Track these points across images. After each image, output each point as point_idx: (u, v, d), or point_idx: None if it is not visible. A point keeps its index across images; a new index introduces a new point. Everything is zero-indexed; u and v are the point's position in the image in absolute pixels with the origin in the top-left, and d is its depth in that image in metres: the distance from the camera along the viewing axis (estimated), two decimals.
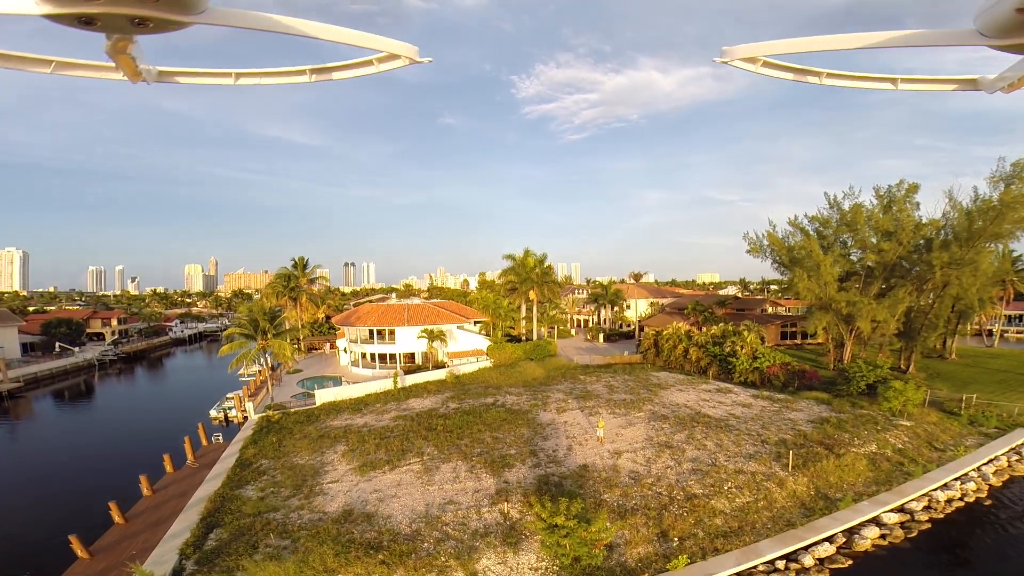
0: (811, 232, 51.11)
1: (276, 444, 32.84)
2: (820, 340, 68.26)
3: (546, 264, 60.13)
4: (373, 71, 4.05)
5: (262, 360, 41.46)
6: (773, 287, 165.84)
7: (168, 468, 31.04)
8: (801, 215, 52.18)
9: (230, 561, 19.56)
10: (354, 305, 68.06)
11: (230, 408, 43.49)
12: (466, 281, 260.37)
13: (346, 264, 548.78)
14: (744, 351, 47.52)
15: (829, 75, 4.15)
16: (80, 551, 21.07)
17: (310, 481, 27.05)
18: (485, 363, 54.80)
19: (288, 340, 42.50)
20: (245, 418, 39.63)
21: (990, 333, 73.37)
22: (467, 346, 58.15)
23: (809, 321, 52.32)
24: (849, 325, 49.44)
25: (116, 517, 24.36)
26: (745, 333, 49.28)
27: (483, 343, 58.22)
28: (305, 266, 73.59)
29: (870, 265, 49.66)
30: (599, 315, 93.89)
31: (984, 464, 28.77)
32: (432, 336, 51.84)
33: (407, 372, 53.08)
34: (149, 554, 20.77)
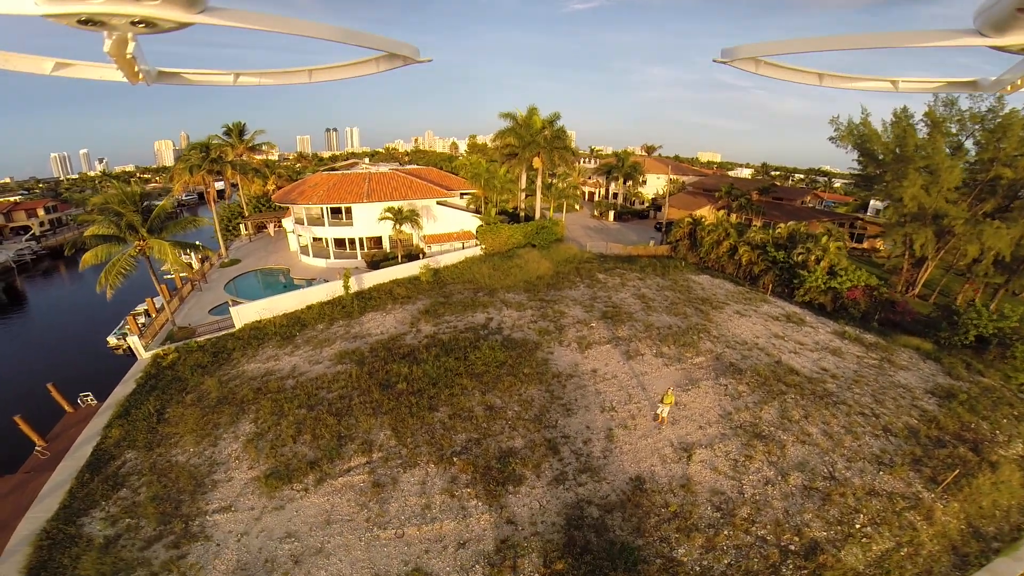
0: (944, 130, 36.30)
1: (155, 416, 21.18)
2: (884, 253, 56.85)
3: (558, 125, 43.96)
4: (374, 70, 3.91)
5: (149, 268, 27.69)
6: (799, 175, 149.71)
7: None
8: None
9: None
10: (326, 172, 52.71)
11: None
12: (454, 144, 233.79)
13: (328, 130, 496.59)
14: (822, 264, 35.41)
15: (829, 76, 4.05)
16: None
17: (187, 506, 15.99)
18: (474, 250, 42.06)
19: (180, 233, 28.24)
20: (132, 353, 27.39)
21: None
22: (450, 226, 44.72)
23: (892, 234, 39.71)
24: (939, 244, 37.57)
25: None
26: (825, 239, 36.61)
27: (471, 222, 44.80)
28: (242, 132, 56.11)
29: (992, 180, 35.87)
30: (607, 189, 79.30)
31: None
32: (400, 217, 38.01)
33: (372, 262, 40.33)
34: None
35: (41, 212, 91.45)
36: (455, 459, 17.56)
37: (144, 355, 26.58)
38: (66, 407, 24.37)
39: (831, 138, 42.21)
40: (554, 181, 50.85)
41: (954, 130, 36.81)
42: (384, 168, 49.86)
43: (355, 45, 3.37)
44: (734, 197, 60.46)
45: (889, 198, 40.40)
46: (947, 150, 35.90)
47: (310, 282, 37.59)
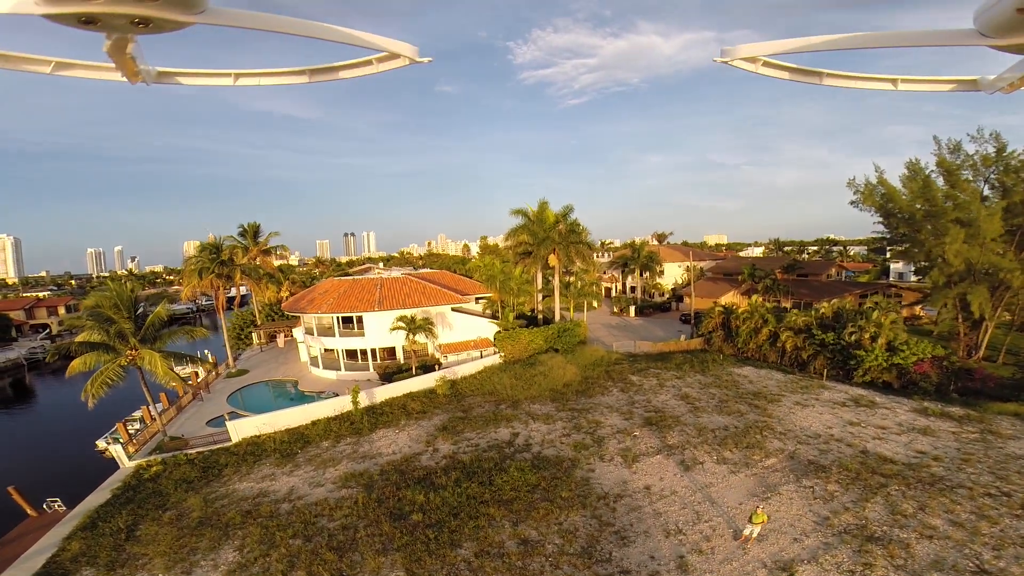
0: (961, 177, 35.37)
1: (124, 531, 18.25)
2: (926, 319, 53.23)
3: (571, 219, 43.40)
4: (373, 71, 3.94)
5: (139, 379, 25.58)
6: (812, 247, 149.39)
7: None
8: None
9: None
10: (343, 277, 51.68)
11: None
12: (466, 246, 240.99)
13: (346, 234, 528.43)
14: (879, 341, 31.96)
15: (829, 75, 4.03)
16: None
17: None
18: (492, 358, 39.29)
19: (164, 351, 26.29)
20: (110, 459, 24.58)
21: None
22: (466, 333, 42.44)
23: (939, 297, 36.71)
24: (994, 301, 34.50)
25: None
26: (876, 314, 33.50)
27: (488, 328, 42.57)
28: (257, 233, 56.88)
29: None
30: (623, 282, 78.03)
31: None
32: (412, 326, 35.98)
33: (385, 374, 37.64)
34: None
35: (62, 310, 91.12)
36: None
37: (127, 463, 24.35)
38: (29, 511, 21.76)
39: (852, 202, 40.96)
40: (571, 279, 49.31)
41: (969, 176, 35.37)
42: (397, 273, 49.14)
43: (355, 45, 3.36)
44: (758, 279, 58.27)
45: (927, 259, 37.83)
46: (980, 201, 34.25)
47: (319, 395, 34.98)
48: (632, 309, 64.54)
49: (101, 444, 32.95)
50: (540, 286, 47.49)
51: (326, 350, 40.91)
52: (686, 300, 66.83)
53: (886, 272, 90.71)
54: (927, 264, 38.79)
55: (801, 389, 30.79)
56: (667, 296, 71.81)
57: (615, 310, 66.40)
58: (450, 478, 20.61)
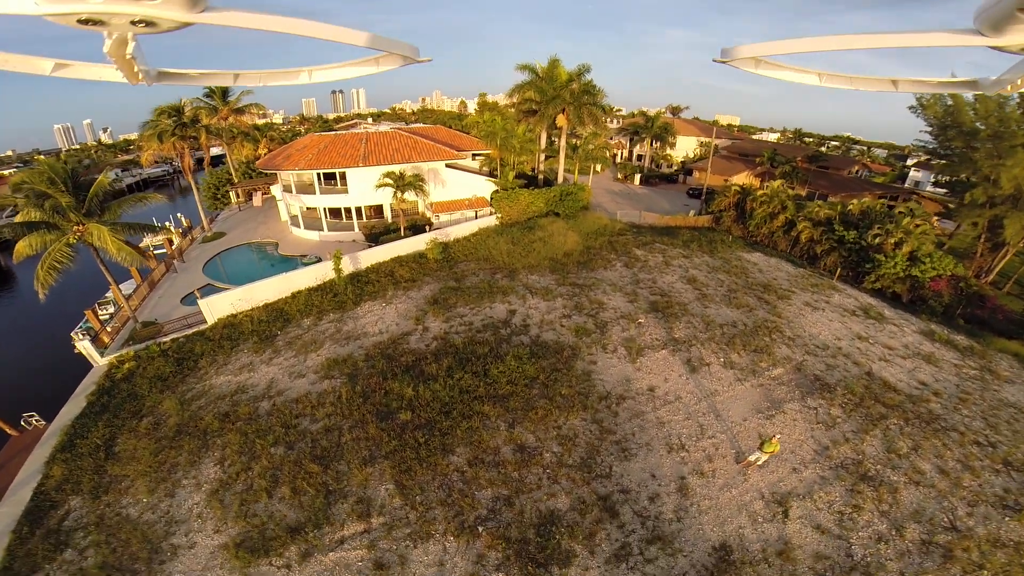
0: None
1: (102, 449, 16.72)
2: (942, 232, 50.22)
3: (587, 78, 37.20)
4: (373, 70, 3.74)
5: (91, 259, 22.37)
6: (833, 142, 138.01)
7: None
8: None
9: None
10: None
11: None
12: (463, 103, 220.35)
13: (333, 91, 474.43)
14: (904, 249, 29.64)
15: (828, 76, 3.91)
16: None
17: None
18: (488, 219, 36.53)
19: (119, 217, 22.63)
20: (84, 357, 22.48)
21: None
22: (461, 192, 39.01)
23: (969, 215, 33.50)
24: None
25: None
26: (907, 220, 30.67)
27: (485, 187, 39.09)
28: (226, 93, 49.00)
29: None
30: (631, 150, 72.43)
31: None
32: (401, 183, 32.26)
33: (372, 234, 35.01)
34: None
35: (5, 189, 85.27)
36: (480, 529, 12.85)
37: (99, 361, 21.91)
38: (8, 431, 20.13)
39: (912, 107, 36.07)
40: (578, 142, 44.40)
41: None
42: (385, 127, 43.66)
43: (355, 45, 3.15)
44: (777, 164, 53.97)
45: (973, 176, 34.28)
46: None
47: (301, 259, 32.70)
48: (637, 177, 60.46)
49: (78, 339, 30.47)
50: (544, 146, 42.82)
51: (308, 208, 37.51)
52: (695, 174, 62.74)
53: (902, 178, 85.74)
54: (971, 181, 35.12)
55: (812, 287, 29.10)
56: (676, 168, 67.22)
57: (619, 176, 62.26)
58: (441, 366, 19.19)
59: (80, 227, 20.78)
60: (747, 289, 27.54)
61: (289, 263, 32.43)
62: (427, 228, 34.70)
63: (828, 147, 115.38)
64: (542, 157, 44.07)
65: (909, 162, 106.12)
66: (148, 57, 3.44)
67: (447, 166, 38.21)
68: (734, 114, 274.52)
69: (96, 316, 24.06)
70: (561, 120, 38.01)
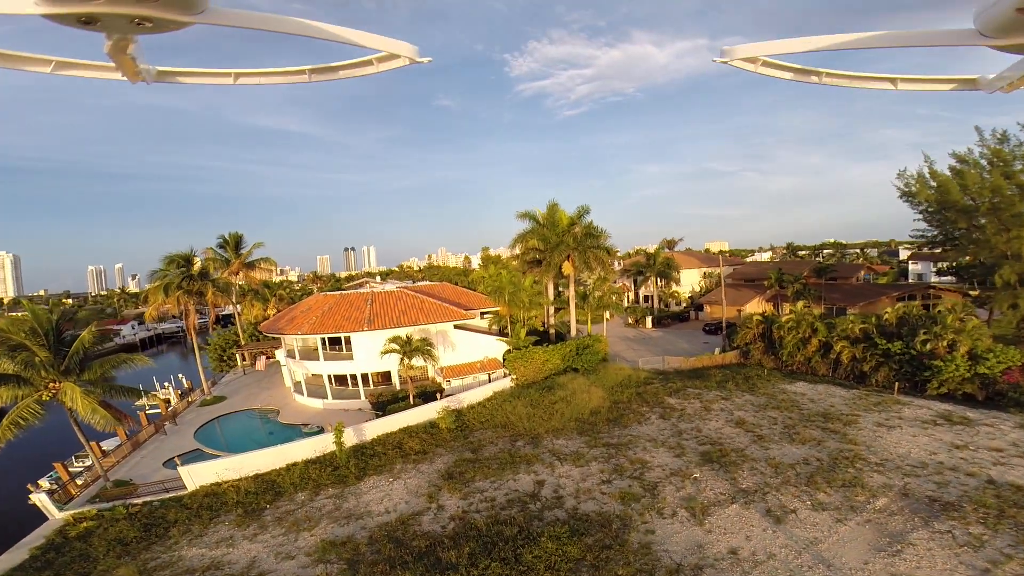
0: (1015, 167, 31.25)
1: None
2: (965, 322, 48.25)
3: (587, 220, 38.47)
4: (373, 71, 3.88)
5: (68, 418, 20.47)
6: (827, 251, 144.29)
7: None
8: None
9: None
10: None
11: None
12: (467, 258, 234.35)
13: (346, 249, 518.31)
14: (960, 349, 26.97)
15: (828, 75, 4.03)
16: None
17: None
18: (502, 381, 34.08)
19: (99, 376, 21.38)
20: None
21: None
22: (472, 354, 37.23)
23: (1004, 298, 31.84)
24: None
25: None
26: (951, 318, 28.54)
27: (497, 347, 37.39)
28: (239, 244, 51.47)
29: None
30: (636, 292, 73.10)
31: None
32: (408, 348, 30.76)
33: (378, 404, 32.36)
34: None
35: None
36: None
37: (56, 515, 20.19)
38: None
39: (902, 195, 36.83)
40: (587, 289, 44.16)
41: (1018, 168, 31.05)
42: (391, 286, 44.04)
43: (355, 45, 3.27)
44: (786, 284, 53.26)
45: (990, 255, 33.00)
46: None
47: (303, 428, 30.26)
48: (649, 320, 59.42)
49: (35, 493, 27.93)
50: (552, 298, 42.41)
51: (312, 375, 35.71)
52: (707, 308, 61.92)
53: (903, 274, 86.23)
54: (988, 262, 34.10)
55: (875, 407, 25.87)
56: (685, 305, 66.78)
57: (630, 321, 61.25)
58: (462, 552, 15.34)
59: (55, 384, 19.02)
60: (806, 422, 24.16)
61: (289, 432, 30.09)
62: (438, 395, 32.12)
63: (824, 256, 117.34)
64: (551, 310, 43.42)
65: (903, 255, 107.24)
66: (148, 57, 3.45)
67: (456, 327, 37.17)
68: (721, 239, 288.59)
69: (66, 468, 23.07)
70: (567, 267, 38.08)
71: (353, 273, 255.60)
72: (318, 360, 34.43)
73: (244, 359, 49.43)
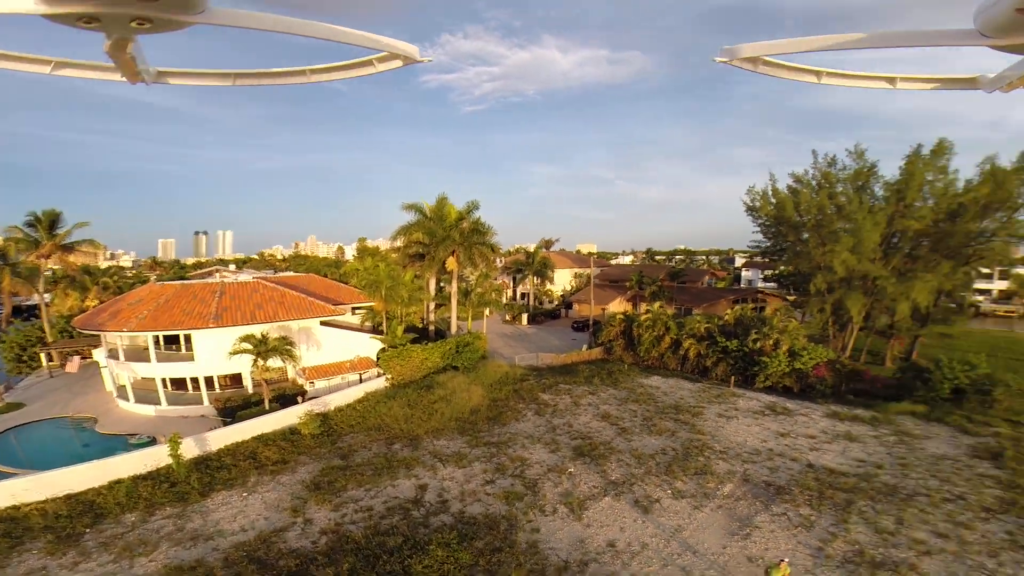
0: (848, 188, 37.35)
1: None
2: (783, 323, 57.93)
3: (475, 216, 37.85)
4: (372, 71, 3.87)
5: None
6: (679, 256, 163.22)
7: None
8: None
9: None
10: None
11: None
12: (340, 249, 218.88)
13: (196, 233, 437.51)
14: (783, 347, 32.06)
15: (828, 74, 4.03)
16: None
17: None
18: (376, 381, 32.23)
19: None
20: None
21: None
22: (341, 353, 34.55)
23: (815, 303, 38.84)
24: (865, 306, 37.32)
25: None
26: (776, 320, 33.84)
27: (370, 346, 35.21)
28: (54, 224, 41.44)
29: (897, 233, 37.30)
30: (514, 289, 75.01)
31: None
32: (263, 348, 27.50)
33: (227, 409, 28.40)
34: None
35: None
36: None
37: None
38: None
39: (748, 209, 41.90)
40: (468, 285, 43.84)
41: (839, 190, 37.46)
42: (246, 276, 39.05)
43: (355, 45, 3.24)
44: (645, 286, 58.84)
45: (810, 266, 39.36)
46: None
47: (130, 439, 25.61)
48: (524, 317, 61.29)
49: None
50: (433, 293, 41.32)
51: (142, 378, 30.08)
52: (576, 307, 65.76)
53: (737, 279, 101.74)
54: (805, 271, 40.89)
55: (716, 399, 29.59)
56: (556, 303, 70.21)
57: (508, 318, 62.58)
58: (340, 569, 13.99)
59: None
60: (661, 414, 26.82)
61: (111, 443, 25.24)
62: (299, 398, 29.10)
63: (675, 262, 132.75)
64: (432, 306, 42.31)
65: (738, 262, 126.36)
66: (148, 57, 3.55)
67: (323, 323, 34.15)
68: (591, 241, 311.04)
69: None
70: (451, 263, 37.32)
71: (203, 260, 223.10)
72: (149, 362, 29.04)
73: (51, 359, 40.19)
